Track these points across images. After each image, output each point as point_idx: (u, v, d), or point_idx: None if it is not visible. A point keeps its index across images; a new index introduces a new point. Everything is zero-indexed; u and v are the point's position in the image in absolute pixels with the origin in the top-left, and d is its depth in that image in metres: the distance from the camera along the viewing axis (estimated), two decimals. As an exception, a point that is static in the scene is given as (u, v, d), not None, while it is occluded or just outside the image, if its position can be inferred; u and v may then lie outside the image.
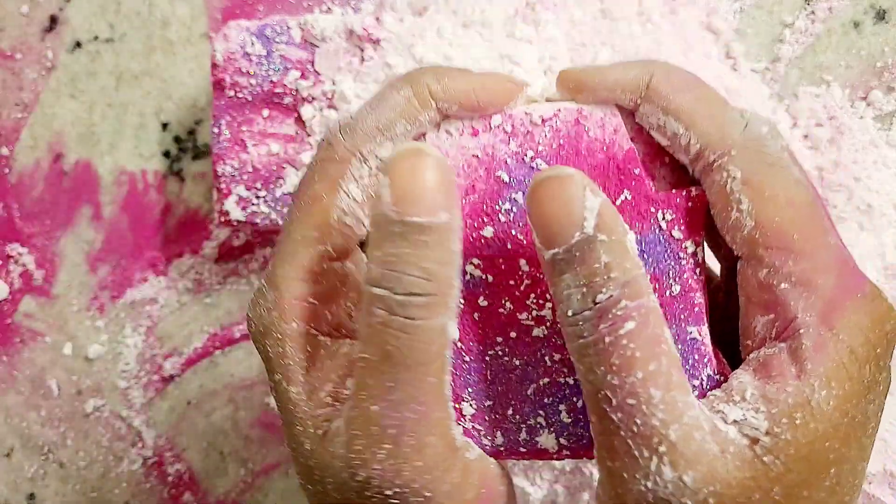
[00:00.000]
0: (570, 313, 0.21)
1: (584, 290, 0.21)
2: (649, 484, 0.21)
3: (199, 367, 0.49)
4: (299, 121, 0.43)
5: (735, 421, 0.22)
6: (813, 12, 0.46)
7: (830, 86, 0.45)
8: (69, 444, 0.49)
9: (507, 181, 0.26)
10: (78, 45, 0.49)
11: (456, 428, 0.24)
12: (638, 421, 0.21)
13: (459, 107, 0.26)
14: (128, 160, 0.49)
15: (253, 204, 0.43)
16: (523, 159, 0.26)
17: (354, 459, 0.22)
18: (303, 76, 0.43)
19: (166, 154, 0.49)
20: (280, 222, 0.43)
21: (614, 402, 0.21)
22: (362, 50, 0.42)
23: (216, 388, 0.49)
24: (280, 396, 0.25)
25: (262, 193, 0.43)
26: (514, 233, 0.26)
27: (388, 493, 0.22)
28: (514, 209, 0.26)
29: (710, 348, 0.25)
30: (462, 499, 0.23)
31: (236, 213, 0.44)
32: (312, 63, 0.43)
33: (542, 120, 0.26)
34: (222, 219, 0.44)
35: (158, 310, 0.49)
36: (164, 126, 0.49)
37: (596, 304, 0.21)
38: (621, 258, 0.21)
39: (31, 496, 0.49)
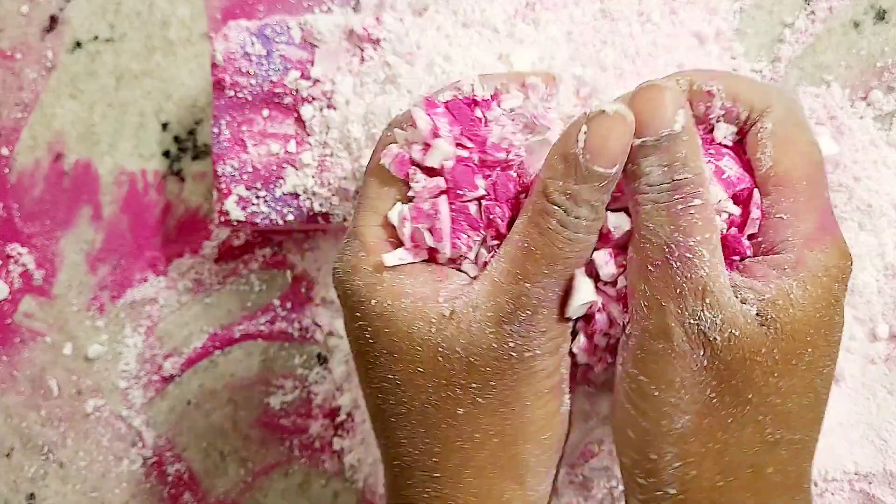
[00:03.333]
0: (648, 183, 0.28)
1: (665, 168, 0.27)
2: (692, 320, 0.27)
3: (199, 367, 0.49)
4: (299, 121, 0.43)
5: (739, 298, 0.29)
6: (813, 12, 0.46)
7: (830, 86, 0.45)
8: (69, 444, 0.49)
9: None
10: (78, 45, 0.49)
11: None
12: (691, 271, 0.27)
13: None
14: (128, 160, 0.49)
15: (253, 204, 0.43)
16: None
17: (496, 321, 0.29)
18: (303, 76, 0.43)
19: (166, 154, 0.49)
20: (280, 222, 0.43)
21: (676, 254, 0.27)
22: (362, 50, 0.42)
23: (216, 388, 0.49)
24: (372, 309, 0.30)
25: (262, 193, 0.43)
26: None
27: (517, 344, 0.29)
28: None
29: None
30: (557, 367, 0.30)
31: (236, 213, 0.44)
32: (312, 63, 0.43)
33: None
34: (222, 219, 0.44)
35: (158, 310, 0.49)
36: (164, 126, 0.49)
37: (674, 180, 0.27)
38: (695, 156, 0.28)
39: (31, 496, 0.49)
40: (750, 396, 0.28)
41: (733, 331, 0.27)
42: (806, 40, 0.46)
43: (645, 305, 0.28)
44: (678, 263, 0.27)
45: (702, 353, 0.28)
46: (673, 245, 0.27)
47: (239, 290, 0.49)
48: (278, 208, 0.43)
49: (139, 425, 0.49)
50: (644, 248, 0.28)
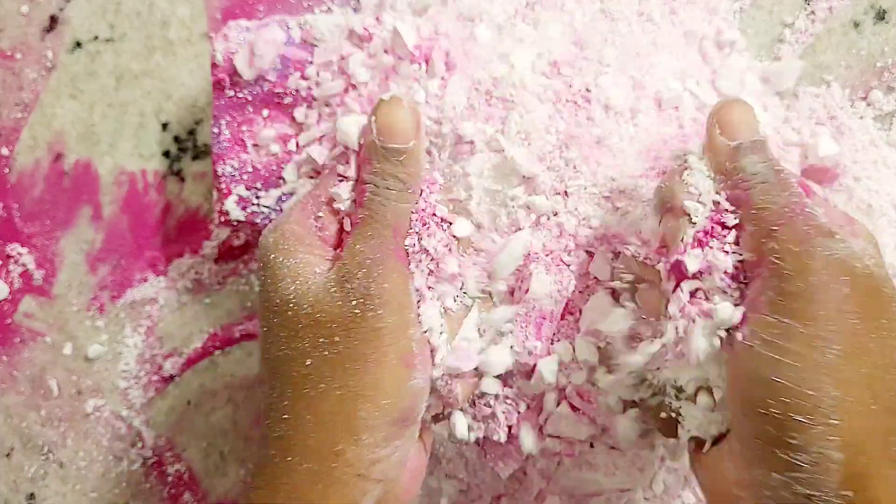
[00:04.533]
0: (754, 173, 0.33)
1: (767, 163, 0.33)
2: (828, 252, 0.31)
3: (199, 367, 0.49)
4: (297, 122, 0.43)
5: None
6: (813, 12, 0.46)
7: (830, 86, 0.45)
8: (69, 444, 0.49)
9: None
10: (78, 45, 0.49)
11: (413, 294, 0.36)
12: (813, 219, 0.32)
13: None
14: (128, 160, 0.49)
15: (253, 204, 0.43)
16: None
17: (338, 280, 0.34)
18: (303, 76, 0.43)
19: (166, 154, 0.49)
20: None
21: (797, 210, 0.32)
22: (362, 50, 0.42)
23: (216, 388, 0.49)
24: (268, 262, 0.36)
25: (262, 193, 0.43)
26: None
27: (358, 302, 0.33)
28: None
29: None
30: (405, 334, 0.34)
31: (236, 213, 0.44)
32: (312, 63, 0.43)
33: None
34: (222, 219, 0.44)
35: (158, 310, 0.49)
36: (164, 126, 0.49)
37: (776, 169, 0.33)
38: (771, 153, 0.34)
39: (31, 496, 0.49)
40: (884, 321, 0.31)
41: (865, 260, 0.31)
42: (806, 40, 0.46)
43: (777, 258, 0.31)
44: (801, 216, 0.31)
45: (843, 281, 0.30)
46: (792, 205, 0.32)
47: (239, 290, 0.49)
48: (278, 208, 0.43)
49: (139, 425, 0.49)
50: (764, 218, 0.32)
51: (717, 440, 0.35)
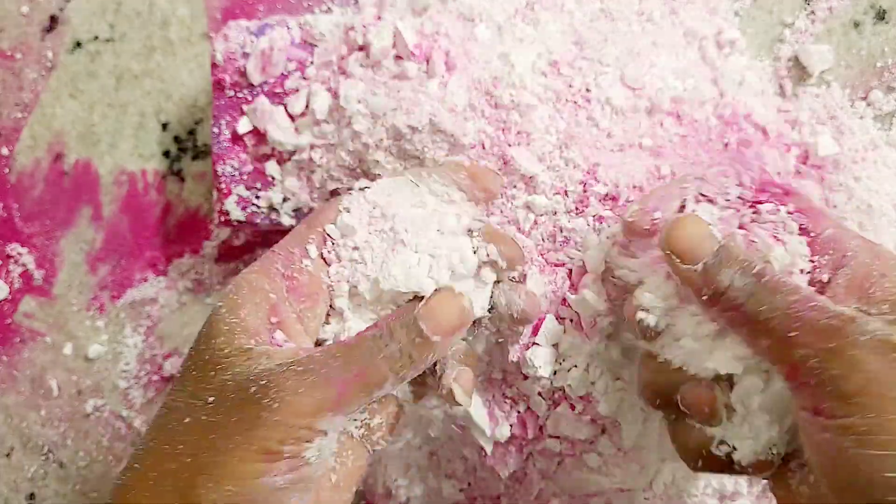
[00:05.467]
0: (737, 289, 0.31)
1: (743, 270, 0.31)
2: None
3: (199, 367, 0.49)
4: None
5: None
6: (813, 12, 0.46)
7: (830, 86, 0.45)
8: (69, 444, 0.49)
9: None
10: (78, 45, 0.49)
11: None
12: (815, 314, 0.30)
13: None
14: (128, 160, 0.49)
15: (253, 204, 0.43)
16: None
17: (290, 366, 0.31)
18: (303, 76, 0.43)
19: (166, 154, 0.49)
20: (281, 222, 0.43)
21: (795, 316, 0.30)
22: (363, 49, 0.42)
23: (216, 388, 0.49)
24: (215, 309, 0.33)
25: (262, 193, 0.43)
26: None
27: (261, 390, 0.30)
28: None
29: None
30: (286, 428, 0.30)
31: (236, 213, 0.43)
32: (312, 63, 0.43)
33: None
34: (222, 219, 0.44)
35: (158, 310, 0.49)
36: (164, 126, 0.49)
37: (757, 274, 0.31)
38: (740, 253, 0.32)
39: (31, 496, 0.49)
40: None
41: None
42: (806, 40, 0.46)
43: (816, 363, 0.30)
44: (812, 312, 0.30)
45: (893, 357, 0.29)
46: (794, 305, 0.30)
47: (239, 290, 0.49)
48: (278, 208, 0.43)
49: (139, 425, 0.49)
50: (774, 329, 0.31)
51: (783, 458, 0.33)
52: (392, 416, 0.35)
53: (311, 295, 0.35)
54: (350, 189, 0.38)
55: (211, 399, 0.31)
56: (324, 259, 0.36)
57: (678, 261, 0.32)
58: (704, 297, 0.32)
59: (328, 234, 0.36)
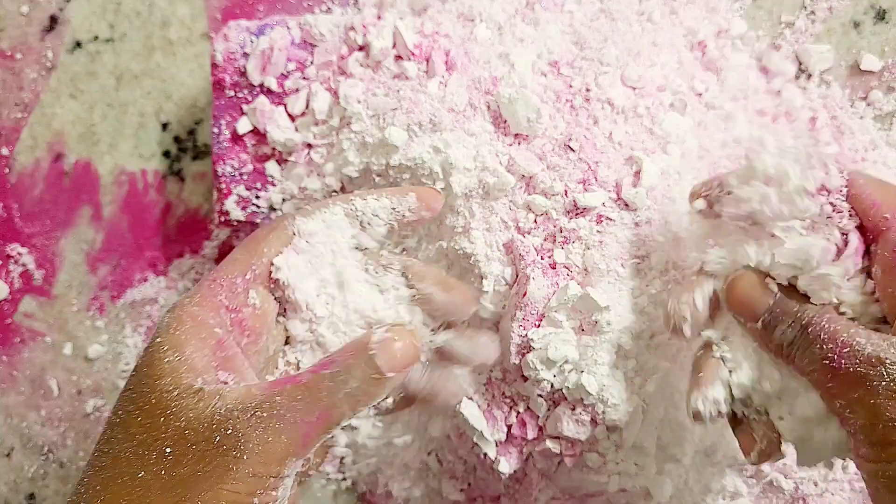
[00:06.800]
0: (790, 343, 0.33)
1: (793, 324, 0.32)
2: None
3: (199, 367, 0.49)
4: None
5: None
6: (813, 12, 0.46)
7: (830, 86, 0.45)
8: (69, 444, 0.49)
9: None
10: (78, 45, 0.49)
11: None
12: (850, 350, 0.30)
13: None
14: (128, 160, 0.49)
15: (253, 204, 0.43)
16: None
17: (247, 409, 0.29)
18: (303, 76, 0.43)
19: (166, 154, 0.49)
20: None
21: (838, 355, 0.31)
22: (362, 49, 0.42)
23: (216, 388, 0.49)
24: (155, 342, 0.31)
25: (262, 193, 0.43)
26: None
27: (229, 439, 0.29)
28: None
29: None
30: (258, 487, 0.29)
31: (236, 213, 0.44)
32: (312, 63, 0.43)
33: None
34: (222, 219, 0.44)
35: (158, 310, 0.49)
36: (164, 126, 0.49)
37: (803, 326, 0.32)
38: (794, 306, 0.33)
39: (31, 496, 0.49)
40: None
41: None
42: (806, 40, 0.46)
43: (872, 400, 0.30)
44: (850, 346, 0.31)
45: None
46: (831, 351, 0.31)
47: (239, 290, 0.49)
48: (278, 209, 0.43)
49: (139, 425, 0.49)
50: (821, 378, 0.32)
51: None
52: (323, 447, 0.34)
53: (254, 329, 0.34)
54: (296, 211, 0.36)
55: (168, 451, 0.29)
56: (270, 290, 0.34)
57: (742, 319, 0.34)
58: (770, 351, 0.34)
59: (273, 267, 0.34)
